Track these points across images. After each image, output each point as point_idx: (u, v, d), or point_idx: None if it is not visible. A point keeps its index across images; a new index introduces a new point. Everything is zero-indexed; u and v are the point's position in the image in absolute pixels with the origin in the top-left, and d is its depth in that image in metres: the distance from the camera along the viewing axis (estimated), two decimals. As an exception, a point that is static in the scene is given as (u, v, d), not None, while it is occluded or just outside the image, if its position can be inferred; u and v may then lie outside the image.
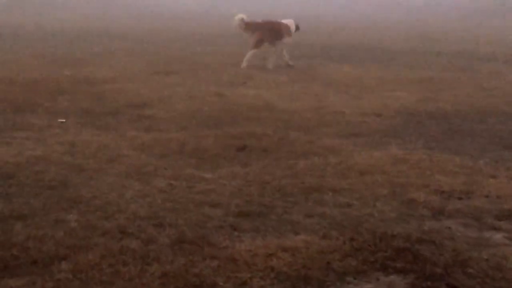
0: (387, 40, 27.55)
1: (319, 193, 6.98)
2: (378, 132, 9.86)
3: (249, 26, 16.18)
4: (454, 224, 6.20)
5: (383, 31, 33.57)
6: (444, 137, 9.64)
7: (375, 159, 8.26)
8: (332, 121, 10.56)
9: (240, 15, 16.25)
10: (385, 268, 5.25)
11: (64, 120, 10.16)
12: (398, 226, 6.07)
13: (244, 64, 16.26)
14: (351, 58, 19.87)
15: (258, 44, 16.22)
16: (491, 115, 11.15)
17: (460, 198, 6.88)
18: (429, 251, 5.51)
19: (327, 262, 5.30)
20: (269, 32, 16.24)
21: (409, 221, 6.23)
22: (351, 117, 10.91)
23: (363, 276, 5.12)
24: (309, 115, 11.00)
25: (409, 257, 5.41)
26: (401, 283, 5.03)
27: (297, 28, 16.77)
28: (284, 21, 16.78)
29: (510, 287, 4.92)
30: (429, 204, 6.66)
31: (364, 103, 12.10)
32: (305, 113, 11.15)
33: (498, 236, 5.90)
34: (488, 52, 22.50)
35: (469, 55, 21.36)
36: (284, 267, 5.19)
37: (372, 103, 12.06)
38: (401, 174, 7.64)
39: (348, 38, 28.63)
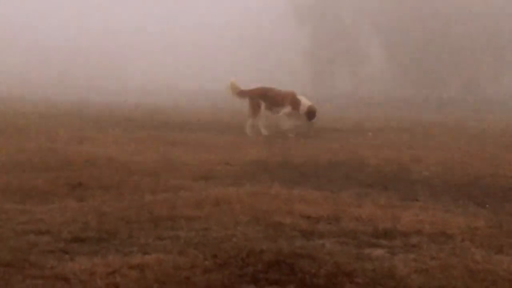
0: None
1: (171, 221, 5.97)
2: (229, 177, 9.02)
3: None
4: (329, 242, 5.43)
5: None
6: (300, 180, 8.98)
7: (230, 192, 7.40)
8: (178, 169, 9.61)
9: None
10: (257, 280, 4.35)
11: None
12: (266, 244, 5.19)
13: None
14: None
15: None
16: (341, 165, 10.73)
17: (329, 223, 6.14)
18: (307, 264, 4.68)
19: (185, 277, 4.27)
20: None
21: (277, 240, 5.37)
22: (199, 167, 10.02)
23: (232, 290, 4.14)
24: (153, 165, 9.99)
25: (285, 269, 4.56)
26: (278, 294, 4.09)
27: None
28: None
29: (406, 294, 4.13)
30: (297, 227, 5.88)
31: (211, 157, 11.28)
32: (149, 163, 10.12)
33: (379, 252, 5.20)
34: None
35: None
36: (131, 283, 4.12)
37: (219, 156, 11.27)
38: (262, 203, 6.82)
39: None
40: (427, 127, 20.80)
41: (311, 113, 14.79)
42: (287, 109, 14.87)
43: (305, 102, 14.92)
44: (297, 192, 7.69)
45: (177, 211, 6.35)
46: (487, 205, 7.18)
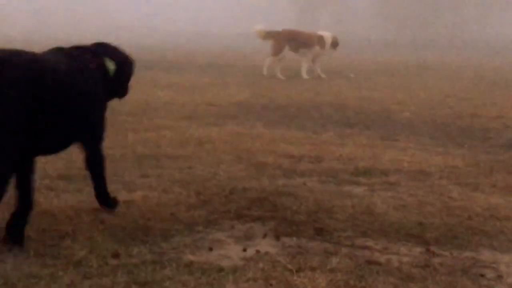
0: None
1: (155, 159, 6.04)
2: (212, 117, 9.07)
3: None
4: (310, 181, 5.54)
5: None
6: (282, 120, 9.06)
7: (214, 132, 7.48)
8: (161, 109, 9.65)
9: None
10: (240, 217, 4.45)
11: None
12: (249, 182, 5.29)
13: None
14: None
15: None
16: (323, 106, 10.81)
17: (311, 162, 6.24)
18: (289, 201, 4.80)
19: (170, 213, 4.38)
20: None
21: (260, 178, 5.47)
22: (182, 107, 10.05)
23: (215, 225, 4.26)
24: (136, 105, 10.00)
25: (268, 206, 4.67)
26: (261, 229, 4.23)
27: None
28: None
29: (383, 228, 4.26)
30: (280, 166, 5.98)
31: (196, 97, 11.30)
32: (132, 103, 10.12)
33: (359, 189, 5.32)
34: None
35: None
36: (116, 219, 4.21)
37: (204, 97, 11.30)
38: (244, 143, 6.91)
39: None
40: (410, 68, 20.87)
41: (335, 42, 15.73)
42: (315, 49, 15.61)
43: (327, 35, 15.76)
44: (279, 132, 7.78)
45: (161, 150, 6.42)
46: (465, 145, 7.32)
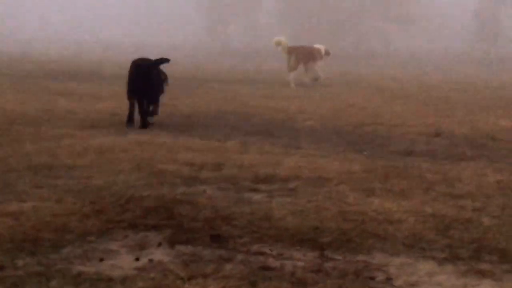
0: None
1: (51, 169, 5.88)
2: (116, 126, 8.93)
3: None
4: (210, 189, 5.51)
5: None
6: (186, 129, 9.00)
7: (115, 141, 7.36)
8: (63, 118, 9.41)
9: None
10: (135, 226, 4.38)
11: None
12: (147, 190, 5.21)
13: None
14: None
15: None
16: (229, 115, 10.82)
17: (213, 170, 6.22)
18: (186, 209, 4.76)
19: (62, 224, 4.26)
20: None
21: (159, 187, 5.40)
22: (85, 116, 9.84)
23: (108, 235, 4.17)
24: (36, 114, 9.72)
25: (164, 214, 4.62)
26: (156, 238, 4.16)
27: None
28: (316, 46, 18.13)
29: (279, 234, 4.28)
30: (180, 174, 5.92)
31: (101, 107, 11.10)
32: (32, 113, 9.85)
33: (258, 196, 5.33)
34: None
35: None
36: (5, 230, 4.07)
37: (108, 106, 11.10)
38: (146, 152, 6.82)
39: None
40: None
41: (327, 53, 18.01)
42: (320, 61, 17.88)
43: (321, 48, 17.93)
44: (182, 141, 7.73)
45: (58, 160, 6.26)
46: (364, 152, 7.47)
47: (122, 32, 54.92)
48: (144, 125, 8.70)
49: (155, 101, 9.10)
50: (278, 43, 17.65)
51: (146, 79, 8.91)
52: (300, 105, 12.26)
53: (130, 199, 4.90)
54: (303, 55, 17.58)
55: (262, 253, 3.96)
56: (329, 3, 41.41)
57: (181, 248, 3.99)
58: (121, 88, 14.65)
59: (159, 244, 4.04)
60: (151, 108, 9.09)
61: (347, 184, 5.67)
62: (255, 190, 5.51)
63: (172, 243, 4.06)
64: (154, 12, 54.07)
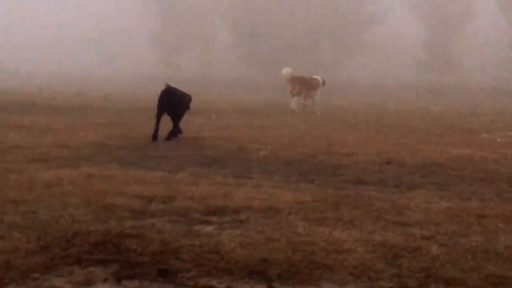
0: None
1: (-4, 205, 5.72)
2: (66, 159, 8.80)
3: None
4: (160, 221, 5.45)
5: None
6: (138, 161, 8.93)
7: (64, 175, 7.23)
8: (10, 151, 9.26)
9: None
10: (81, 261, 4.29)
11: None
12: (94, 225, 5.12)
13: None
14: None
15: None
16: (183, 145, 10.79)
17: (163, 202, 6.16)
18: (134, 243, 4.67)
19: (5, 261, 4.15)
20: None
21: (107, 221, 5.31)
22: (34, 149, 9.67)
23: (54, 271, 4.08)
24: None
25: (111, 249, 4.53)
26: (102, 273, 4.08)
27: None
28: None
29: (228, 267, 4.25)
30: (129, 207, 5.84)
31: (50, 139, 10.93)
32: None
33: (208, 228, 5.28)
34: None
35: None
36: None
37: (58, 139, 10.94)
38: (95, 185, 6.71)
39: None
40: (271, 108, 21.35)
41: (324, 81, 20.39)
42: (320, 90, 20.03)
43: (318, 78, 20.29)
44: (133, 173, 7.65)
45: (4, 195, 6.12)
46: (316, 181, 7.49)
47: (72, 63, 54.58)
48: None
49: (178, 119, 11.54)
50: (287, 73, 19.95)
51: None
52: (254, 134, 12.29)
53: (76, 233, 4.80)
54: (305, 84, 19.78)
55: (210, 287, 3.91)
56: (281, 32, 41.89)
57: (128, 283, 3.93)
58: (73, 119, 14.59)
59: (106, 280, 3.97)
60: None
61: (297, 214, 5.67)
62: (206, 222, 5.47)
63: (118, 278, 3.99)
64: (106, 43, 53.90)
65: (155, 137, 11.15)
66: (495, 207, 6.10)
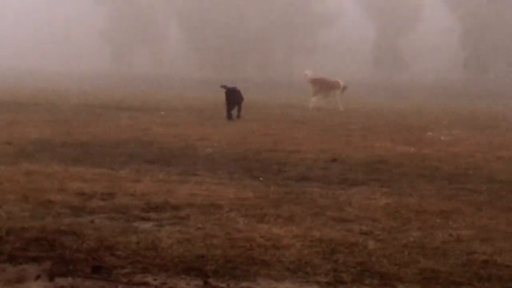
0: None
1: None
2: (7, 156, 8.62)
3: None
4: (98, 218, 5.38)
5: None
6: (80, 158, 8.79)
7: (4, 172, 7.09)
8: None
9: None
10: (13, 258, 4.20)
11: None
12: (30, 222, 5.03)
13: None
14: None
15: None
16: (128, 143, 10.67)
17: (103, 199, 6.08)
18: (69, 240, 4.60)
19: None
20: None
21: (44, 218, 5.23)
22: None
23: (-16, 269, 3.96)
24: None
25: (45, 246, 4.45)
26: (35, 270, 4.01)
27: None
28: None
29: (164, 263, 4.21)
30: (68, 204, 5.76)
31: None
32: None
33: (147, 225, 5.23)
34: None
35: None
36: None
37: (0, 136, 10.71)
38: (34, 182, 6.60)
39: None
40: (221, 106, 21.25)
41: (346, 86, 20.62)
42: (340, 90, 20.40)
43: (339, 81, 20.53)
44: (74, 170, 7.54)
45: None
46: (260, 178, 7.49)
47: (26, 59, 53.62)
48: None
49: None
50: (308, 75, 20.57)
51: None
52: (202, 132, 12.23)
53: (10, 230, 4.71)
54: (325, 85, 20.37)
55: (144, 283, 3.87)
56: (233, 32, 41.88)
57: (60, 280, 3.86)
58: (17, 116, 14.27)
59: (38, 277, 3.89)
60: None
61: (238, 210, 5.65)
62: (145, 219, 5.42)
63: (51, 275, 3.92)
64: (54, 38, 53.07)
65: (229, 116, 15.27)
66: (435, 203, 6.19)
